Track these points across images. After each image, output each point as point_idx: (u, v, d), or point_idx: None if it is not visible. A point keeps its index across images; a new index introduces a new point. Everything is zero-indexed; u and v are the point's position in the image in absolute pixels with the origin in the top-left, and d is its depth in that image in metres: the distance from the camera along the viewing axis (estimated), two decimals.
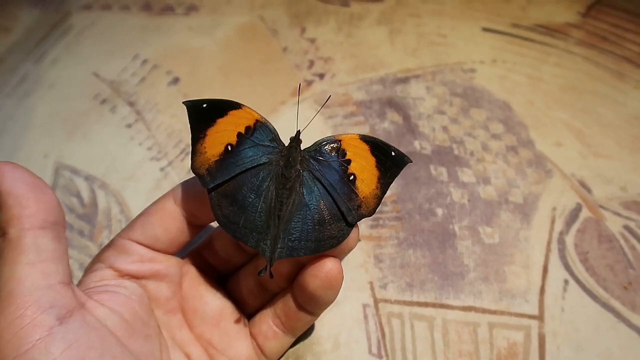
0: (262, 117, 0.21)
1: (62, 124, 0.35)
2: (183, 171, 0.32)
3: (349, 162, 0.20)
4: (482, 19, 0.40)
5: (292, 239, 0.20)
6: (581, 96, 0.35)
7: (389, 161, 0.20)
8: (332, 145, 0.21)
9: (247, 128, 0.21)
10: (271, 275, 0.20)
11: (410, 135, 0.33)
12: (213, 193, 0.20)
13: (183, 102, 0.20)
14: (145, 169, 0.33)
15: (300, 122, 0.23)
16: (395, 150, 0.20)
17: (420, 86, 0.36)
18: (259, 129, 0.21)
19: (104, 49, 0.40)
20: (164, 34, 0.41)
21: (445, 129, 0.33)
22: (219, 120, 0.20)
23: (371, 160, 0.20)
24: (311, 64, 0.38)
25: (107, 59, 0.39)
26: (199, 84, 0.37)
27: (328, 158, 0.21)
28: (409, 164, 0.21)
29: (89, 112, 0.36)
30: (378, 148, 0.20)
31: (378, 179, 0.20)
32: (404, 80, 0.36)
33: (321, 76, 0.37)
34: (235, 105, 0.21)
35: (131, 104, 0.36)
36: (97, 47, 0.40)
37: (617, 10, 0.40)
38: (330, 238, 0.20)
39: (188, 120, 0.20)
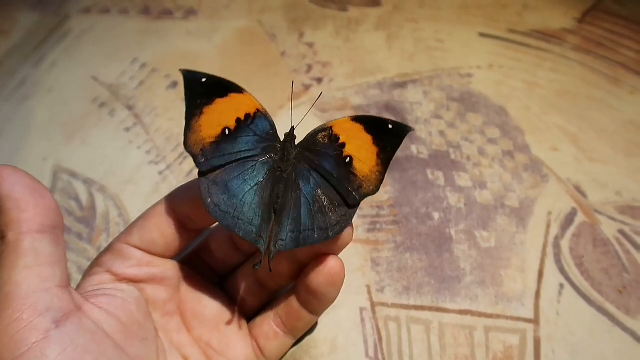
0: (263, 108, 0.20)
1: (61, 128, 0.36)
2: (181, 175, 0.32)
3: (343, 145, 0.20)
4: (479, 25, 0.40)
5: (293, 230, 0.20)
6: (577, 101, 0.35)
7: (387, 135, 0.20)
8: (324, 133, 0.21)
9: (247, 115, 0.20)
10: (270, 269, 0.20)
11: (407, 139, 0.33)
12: (203, 179, 0.19)
13: (180, 70, 0.19)
14: (144, 172, 0.33)
15: (296, 123, 0.23)
16: (392, 122, 0.20)
17: (418, 91, 0.36)
18: (259, 119, 0.20)
19: (103, 52, 0.40)
20: (163, 37, 0.41)
21: (442, 133, 0.34)
22: (218, 100, 0.19)
23: (367, 138, 0.20)
24: (309, 68, 0.38)
25: (105, 62, 0.39)
26: None
27: (322, 146, 0.20)
28: (411, 131, 0.20)
29: (88, 116, 0.36)
30: (373, 124, 0.20)
31: (377, 155, 0.20)
32: (402, 85, 0.37)
33: (319, 80, 0.37)
34: (238, 89, 0.20)
35: (130, 108, 0.36)
36: (95, 50, 0.40)
37: (612, 16, 0.40)
38: (333, 225, 0.20)
39: (184, 92, 0.19)
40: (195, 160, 0.19)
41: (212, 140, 0.19)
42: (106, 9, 0.44)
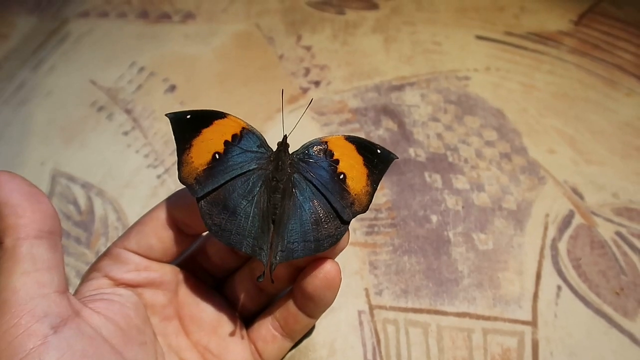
0: (248, 125, 0.21)
1: (59, 132, 0.36)
2: None
3: (337, 162, 0.21)
4: (476, 27, 0.40)
5: (292, 240, 0.20)
6: (573, 103, 0.35)
7: (376, 159, 0.21)
8: (319, 146, 0.21)
9: (234, 136, 0.21)
10: (272, 281, 0.20)
11: (405, 142, 0.34)
12: (202, 202, 0.20)
13: (166, 115, 0.20)
14: (142, 176, 0.33)
15: (296, 128, 0.23)
16: (380, 148, 0.21)
17: (415, 93, 0.36)
18: (246, 136, 0.21)
19: (101, 56, 0.40)
20: (161, 41, 0.41)
21: (439, 136, 0.34)
22: (204, 130, 0.20)
23: (359, 159, 0.21)
24: (307, 71, 0.38)
25: (104, 66, 0.39)
26: (196, 91, 0.37)
27: (317, 159, 0.21)
28: (396, 159, 0.21)
29: (86, 120, 0.36)
30: (364, 147, 0.21)
31: (367, 176, 0.21)
32: (399, 88, 0.37)
33: (317, 84, 0.37)
34: (220, 115, 0.21)
35: (128, 112, 0.36)
36: (94, 54, 0.41)
37: (608, 19, 0.40)
38: (328, 237, 0.20)
39: (172, 133, 0.20)
40: (190, 191, 0.20)
41: (204, 167, 0.20)
42: (104, 12, 0.44)
